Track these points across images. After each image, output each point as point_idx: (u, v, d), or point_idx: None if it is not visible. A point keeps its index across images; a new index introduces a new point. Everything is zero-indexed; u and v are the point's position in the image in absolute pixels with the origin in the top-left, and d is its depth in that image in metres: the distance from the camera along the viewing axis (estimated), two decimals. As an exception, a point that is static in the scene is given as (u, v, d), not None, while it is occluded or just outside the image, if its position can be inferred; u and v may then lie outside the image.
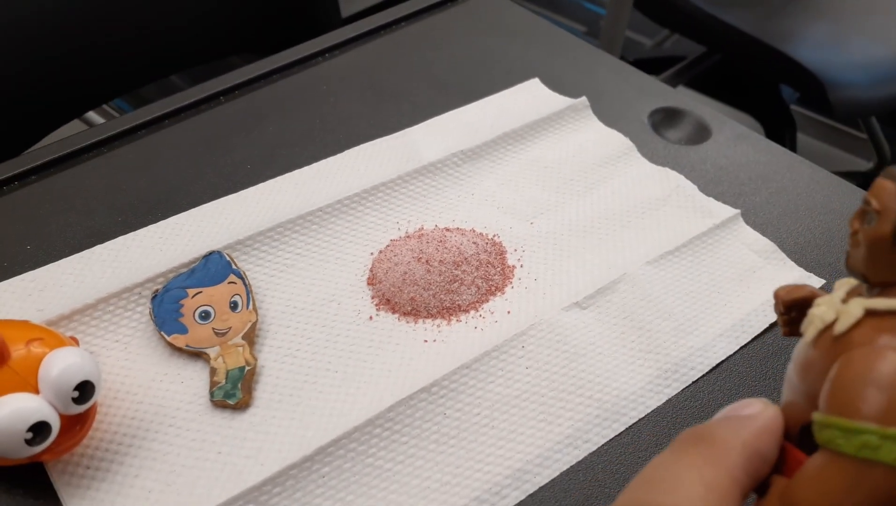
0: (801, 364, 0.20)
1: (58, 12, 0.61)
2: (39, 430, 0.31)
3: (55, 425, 0.31)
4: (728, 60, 1.17)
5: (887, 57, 0.96)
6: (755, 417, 0.20)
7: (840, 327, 0.19)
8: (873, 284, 0.20)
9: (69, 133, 0.49)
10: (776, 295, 0.25)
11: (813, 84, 0.94)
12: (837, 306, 0.20)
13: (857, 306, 0.19)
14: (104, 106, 1.05)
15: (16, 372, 0.31)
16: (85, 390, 0.32)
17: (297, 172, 0.47)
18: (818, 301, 0.21)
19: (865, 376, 0.18)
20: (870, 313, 0.19)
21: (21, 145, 0.64)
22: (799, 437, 0.20)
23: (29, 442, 0.30)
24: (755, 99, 1.24)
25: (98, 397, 0.33)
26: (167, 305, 0.38)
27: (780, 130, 1.21)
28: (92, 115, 0.99)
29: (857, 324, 0.19)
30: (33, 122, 0.65)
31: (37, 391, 0.31)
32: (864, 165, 1.32)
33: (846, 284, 0.21)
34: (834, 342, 0.19)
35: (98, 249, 0.42)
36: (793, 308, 0.24)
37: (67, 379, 0.31)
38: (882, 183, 0.20)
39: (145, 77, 0.71)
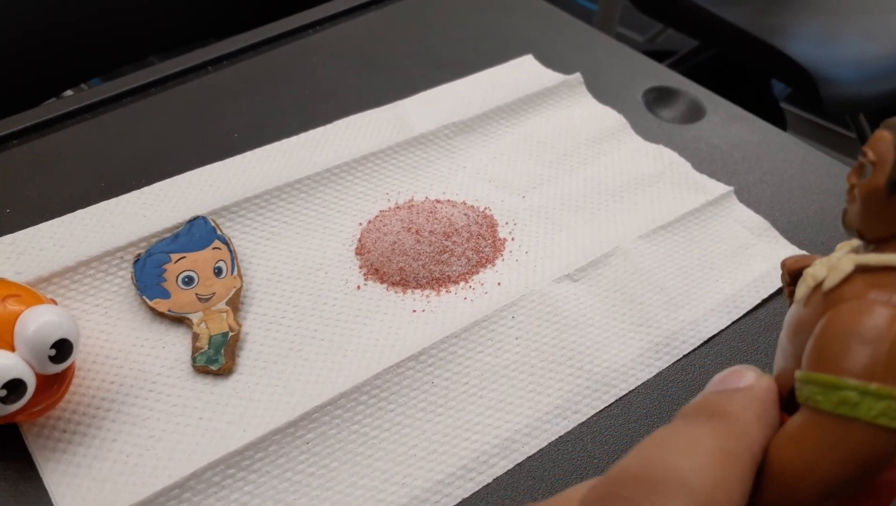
0: (793, 324, 0.20)
1: None
2: (14, 388, 0.30)
3: (31, 383, 0.30)
4: (720, 55, 1.17)
5: (879, 54, 0.96)
6: (758, 388, 0.19)
7: (829, 283, 0.19)
8: (869, 240, 0.19)
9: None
10: (783, 264, 0.24)
11: (804, 79, 0.94)
12: (830, 264, 0.19)
13: (848, 262, 0.19)
14: (82, 86, 1.04)
15: (-10, 328, 0.30)
16: (62, 348, 0.31)
17: (285, 140, 0.46)
18: (815, 262, 0.21)
19: (850, 330, 0.17)
20: (861, 269, 0.18)
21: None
22: (788, 402, 0.19)
23: (3, 400, 0.29)
24: (746, 94, 1.24)
25: (76, 357, 0.32)
26: (150, 269, 0.38)
27: (771, 126, 1.21)
28: (69, 95, 0.98)
29: (848, 279, 0.18)
30: (9, 100, 0.64)
31: (12, 348, 0.30)
32: (852, 163, 1.32)
33: (846, 246, 0.20)
34: (824, 299, 0.19)
35: (80, 213, 0.41)
36: (799, 278, 0.23)
37: (44, 336, 0.30)
38: (880, 134, 0.19)
39: (125, 58, 0.70)
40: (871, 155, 0.19)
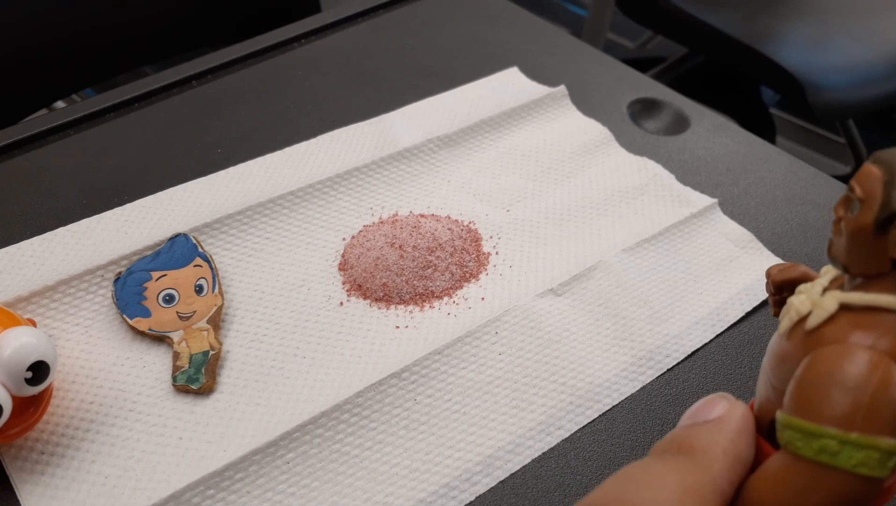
0: (775, 356, 0.19)
1: (27, 2, 0.59)
2: (-10, 411, 0.29)
3: (6, 406, 0.30)
4: (709, 62, 1.17)
5: (867, 60, 0.97)
6: (728, 419, 0.19)
7: (812, 322, 0.18)
8: (854, 274, 0.19)
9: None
10: (768, 274, 0.24)
11: (792, 86, 0.94)
12: (814, 298, 0.19)
13: (832, 300, 0.18)
14: (73, 96, 1.04)
15: (-34, 351, 0.30)
16: (39, 370, 0.31)
17: (268, 155, 0.46)
18: (799, 288, 0.20)
19: (830, 377, 0.17)
20: (845, 308, 0.18)
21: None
22: (769, 430, 0.19)
23: (-22, 424, 0.29)
24: (735, 101, 1.25)
25: (54, 379, 0.32)
26: (130, 287, 0.37)
27: (760, 133, 1.22)
28: (60, 105, 0.97)
29: (831, 318, 0.18)
30: (3, 110, 0.63)
31: (-12, 371, 0.30)
32: (842, 168, 1.33)
33: (832, 270, 0.20)
34: (806, 336, 0.18)
35: (60, 231, 0.41)
36: (784, 288, 0.23)
37: (21, 359, 0.30)
38: (868, 169, 0.18)
39: (117, 68, 0.70)
40: (858, 191, 0.18)
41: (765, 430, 0.19)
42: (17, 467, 0.32)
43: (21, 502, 0.31)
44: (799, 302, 0.19)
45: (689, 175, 0.48)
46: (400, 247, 0.41)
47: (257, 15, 0.73)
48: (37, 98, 0.67)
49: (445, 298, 0.40)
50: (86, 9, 0.63)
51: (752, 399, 0.21)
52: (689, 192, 0.46)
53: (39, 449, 0.33)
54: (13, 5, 0.59)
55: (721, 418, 0.19)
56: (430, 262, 0.41)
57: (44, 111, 0.73)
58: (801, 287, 0.20)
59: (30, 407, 0.31)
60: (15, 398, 0.30)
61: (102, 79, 0.71)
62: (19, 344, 0.30)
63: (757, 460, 0.19)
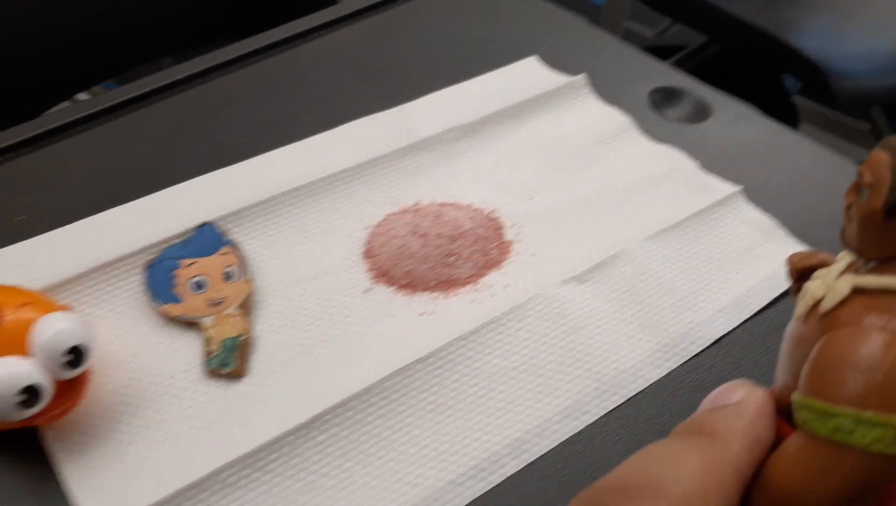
0: (792, 339, 0.20)
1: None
2: (31, 393, 0.30)
3: (47, 388, 0.31)
4: (729, 50, 1.16)
5: (891, 46, 0.96)
6: (746, 403, 0.20)
7: (826, 305, 0.19)
8: (867, 258, 0.19)
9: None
10: (789, 261, 0.24)
11: (816, 74, 0.93)
12: (829, 282, 0.19)
13: (845, 284, 0.19)
14: (93, 88, 1.05)
15: (6, 336, 0.31)
16: (77, 354, 0.31)
17: (290, 146, 0.47)
18: (815, 273, 0.21)
19: (844, 358, 0.17)
20: (858, 291, 0.18)
21: (9, 125, 0.63)
22: (788, 413, 0.20)
23: (21, 405, 0.30)
24: (758, 89, 1.24)
25: (91, 363, 0.33)
26: (161, 275, 0.38)
27: (783, 120, 1.21)
28: (82, 98, 0.99)
29: (845, 302, 0.18)
30: (22, 103, 0.64)
31: (28, 355, 0.31)
32: (867, 155, 1.31)
33: (848, 255, 0.20)
34: (821, 319, 0.19)
35: (91, 219, 0.42)
36: (805, 276, 0.23)
37: (59, 343, 0.31)
38: (877, 155, 0.19)
39: (135, 60, 0.71)
40: (867, 177, 0.19)
41: (785, 413, 0.20)
42: (59, 446, 0.33)
43: (64, 481, 0.32)
44: (814, 286, 0.20)
45: (711, 163, 0.48)
46: (423, 235, 0.42)
47: (274, 6, 0.74)
48: (57, 91, 0.68)
49: (469, 286, 0.41)
50: (106, 2, 0.64)
51: (772, 386, 0.21)
52: (712, 179, 0.46)
53: (79, 430, 0.34)
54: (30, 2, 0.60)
55: (740, 402, 0.20)
56: (453, 250, 0.42)
57: (65, 104, 0.74)
58: (818, 272, 0.21)
59: (69, 390, 0.32)
60: (55, 382, 0.31)
61: (122, 71, 0.72)
62: (57, 329, 0.31)
63: (777, 443, 0.19)
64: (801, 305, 0.20)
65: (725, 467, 0.18)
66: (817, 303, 0.19)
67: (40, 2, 0.60)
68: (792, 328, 0.20)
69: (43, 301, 0.33)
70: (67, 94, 0.71)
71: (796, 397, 0.18)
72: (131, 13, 0.66)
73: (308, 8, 0.72)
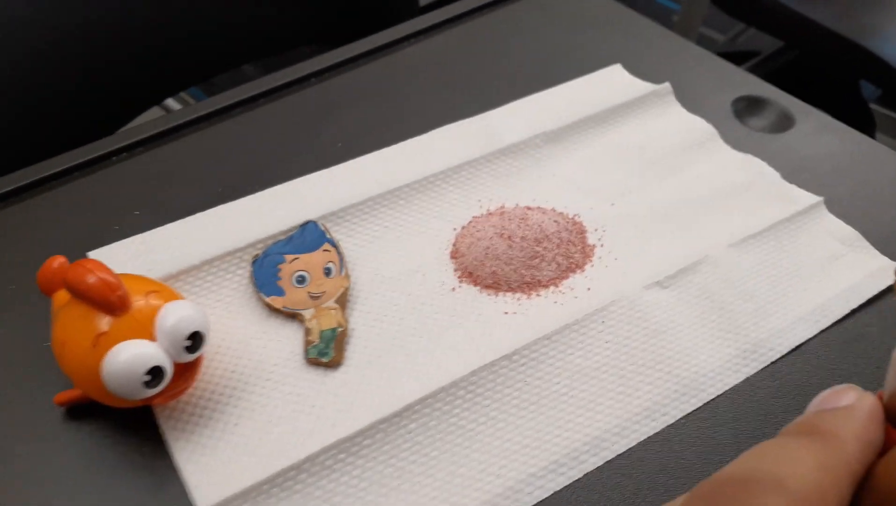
0: None
1: (136, 9, 0.64)
2: (156, 374, 0.33)
3: (169, 370, 0.34)
4: (806, 56, 1.14)
5: (977, 54, 0.93)
6: (858, 407, 0.20)
7: None
8: None
9: (150, 118, 0.52)
10: None
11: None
12: None
13: None
14: (181, 94, 1.10)
15: (136, 320, 0.34)
16: (196, 339, 0.34)
17: (385, 150, 0.49)
18: None
19: None
20: None
21: (108, 129, 0.67)
22: None
23: (146, 384, 0.33)
24: (833, 96, 1.21)
25: (204, 349, 0.36)
26: (266, 269, 0.41)
27: (859, 129, 1.18)
28: (170, 103, 1.04)
29: None
30: (118, 107, 0.68)
31: (154, 339, 0.34)
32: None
33: None
34: None
35: (201, 215, 0.45)
36: None
37: (182, 328, 0.34)
38: None
39: (219, 67, 0.74)
40: None
41: (894, 419, 0.20)
42: (171, 425, 0.36)
43: (174, 457, 0.35)
44: None
45: (794, 174, 0.48)
46: (508, 237, 0.44)
47: (354, 16, 0.76)
48: (146, 97, 0.72)
49: (552, 288, 0.42)
50: (191, 12, 0.67)
51: (879, 390, 0.22)
52: (794, 190, 0.47)
53: (190, 411, 0.37)
54: (124, 14, 0.63)
55: (852, 405, 0.20)
56: (538, 252, 0.43)
57: (155, 108, 0.78)
58: None
59: (185, 372, 0.35)
60: (175, 364, 0.34)
61: (205, 78, 0.75)
62: (181, 315, 0.34)
63: (886, 448, 0.20)
64: None
65: (841, 467, 0.18)
66: None
67: (133, 15, 0.63)
68: None
69: (166, 290, 0.36)
70: (156, 100, 0.75)
71: None
72: (216, 23, 0.69)
73: (384, 16, 0.75)
